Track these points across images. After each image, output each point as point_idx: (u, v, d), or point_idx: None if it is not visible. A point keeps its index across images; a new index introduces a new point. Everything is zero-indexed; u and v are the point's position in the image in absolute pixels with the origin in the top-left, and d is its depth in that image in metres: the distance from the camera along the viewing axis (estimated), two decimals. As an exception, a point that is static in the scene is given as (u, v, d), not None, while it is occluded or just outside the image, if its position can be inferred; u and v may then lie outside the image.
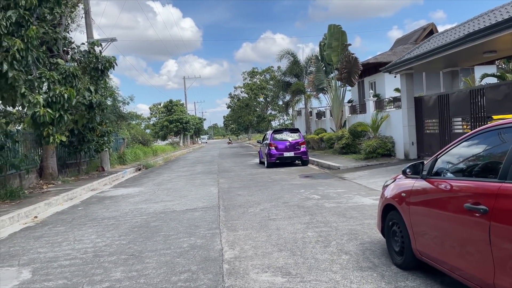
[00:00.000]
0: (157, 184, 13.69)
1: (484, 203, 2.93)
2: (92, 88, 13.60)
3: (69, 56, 15.14)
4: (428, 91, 18.79)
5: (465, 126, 12.50)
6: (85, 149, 15.82)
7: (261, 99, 65.39)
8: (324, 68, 23.81)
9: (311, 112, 31.69)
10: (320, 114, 30.12)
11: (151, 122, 68.08)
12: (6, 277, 4.85)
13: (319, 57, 24.76)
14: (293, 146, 17.17)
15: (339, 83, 22.54)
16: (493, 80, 18.22)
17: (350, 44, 21.91)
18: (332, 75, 23.48)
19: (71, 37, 15.68)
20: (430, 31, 23.50)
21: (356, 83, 22.20)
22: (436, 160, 3.89)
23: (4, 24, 8.93)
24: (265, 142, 18.49)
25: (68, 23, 16.05)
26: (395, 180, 4.67)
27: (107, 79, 16.19)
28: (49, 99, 10.74)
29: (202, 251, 5.36)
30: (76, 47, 15.04)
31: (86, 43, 15.57)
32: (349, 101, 26.30)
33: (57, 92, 10.86)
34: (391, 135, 16.46)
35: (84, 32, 18.32)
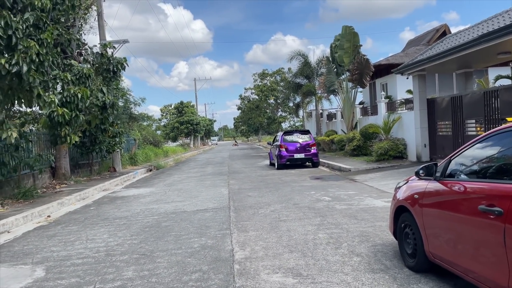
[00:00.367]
0: (168, 184, 13.77)
1: (499, 205, 2.89)
2: (104, 89, 13.77)
3: (82, 57, 15.33)
4: (441, 93, 18.61)
5: (478, 128, 12.33)
6: (97, 149, 15.99)
7: (272, 100, 65.48)
8: (335, 70, 23.72)
9: (321, 113, 31.58)
10: (331, 116, 30.00)
11: (162, 124, 68.56)
12: (20, 274, 4.92)
13: (330, 59, 24.68)
14: (304, 148, 17.12)
15: (350, 84, 22.43)
16: (508, 82, 17.95)
17: (361, 45, 21.81)
18: (343, 76, 23.38)
19: (84, 39, 15.90)
20: (443, 33, 23.28)
21: (368, 84, 22.07)
22: (450, 161, 3.84)
23: (21, 26, 9.08)
24: (276, 143, 18.48)
25: (82, 25, 16.25)
26: (407, 182, 4.63)
27: (119, 80, 16.35)
28: (63, 99, 10.90)
29: (213, 251, 5.37)
30: (89, 49, 15.22)
31: (99, 45, 15.75)
32: (360, 103, 26.14)
33: (71, 92, 11.02)
34: (403, 137, 16.32)
35: (97, 34, 18.56)
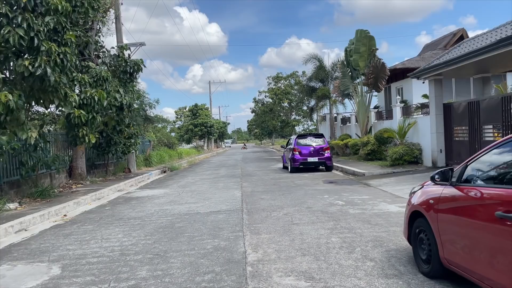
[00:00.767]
0: (182, 186, 13.86)
1: (517, 211, 2.84)
2: (121, 90, 13.98)
3: (99, 59, 15.59)
4: (457, 98, 18.36)
5: (496, 134, 12.13)
6: (112, 150, 16.20)
7: (285, 104, 65.42)
8: (350, 73, 23.62)
9: (336, 117, 31.45)
10: (345, 120, 29.84)
11: (177, 126, 69.17)
12: (37, 272, 5.02)
13: (345, 62, 24.58)
14: (317, 152, 17.06)
15: (365, 88, 22.29)
16: (527, 87, 17.62)
17: (377, 49, 21.68)
18: (358, 80, 23.26)
19: (102, 41, 16.17)
20: (460, 37, 23.00)
21: (383, 89, 21.90)
22: (466, 167, 3.80)
23: (42, 29, 9.31)
24: (289, 147, 18.46)
25: (100, 28, 16.53)
26: (422, 187, 4.58)
27: (135, 82, 16.57)
28: (81, 101, 11.10)
29: (225, 253, 5.40)
30: (106, 51, 15.47)
31: (116, 47, 16.00)
32: (375, 107, 25.96)
33: (88, 95, 11.22)
34: (418, 142, 16.14)
35: (114, 36, 18.85)
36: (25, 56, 9.58)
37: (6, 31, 8.80)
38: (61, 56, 9.67)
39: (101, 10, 15.04)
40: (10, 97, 8.62)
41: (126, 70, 15.06)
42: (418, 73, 14.93)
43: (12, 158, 10.55)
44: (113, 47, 15.98)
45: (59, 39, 9.89)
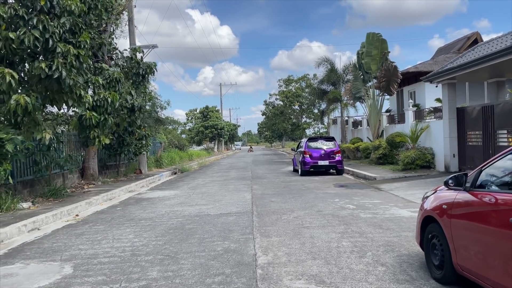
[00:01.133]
0: (192, 188, 13.92)
1: (533, 218, 2.79)
2: (133, 92, 14.11)
3: (112, 61, 15.75)
4: (471, 102, 18.14)
5: (510, 139, 11.95)
6: (124, 151, 16.35)
7: (296, 106, 65.25)
8: (361, 77, 23.49)
9: (347, 120, 31.28)
10: (356, 123, 29.66)
11: (187, 128, 69.40)
12: (49, 271, 5.08)
13: (357, 66, 24.47)
14: (328, 155, 16.99)
15: (377, 92, 22.15)
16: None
17: (389, 52, 21.53)
18: (370, 83, 23.12)
19: (115, 43, 16.35)
20: (474, 40, 22.73)
21: (395, 92, 21.74)
22: (481, 172, 3.75)
23: (58, 31, 9.45)
24: (300, 150, 18.41)
25: (113, 30, 16.72)
26: (435, 192, 4.53)
27: (147, 84, 16.72)
28: (94, 103, 11.24)
29: (235, 255, 5.40)
30: (119, 53, 15.64)
31: (129, 49, 16.16)
32: (387, 111, 25.76)
33: (101, 96, 11.35)
34: (430, 146, 15.97)
35: (127, 38, 19.05)
36: (40, 58, 9.72)
37: (21, 32, 8.95)
38: (78, 55, 9.81)
39: (115, 13, 15.21)
40: (28, 99, 8.77)
41: (138, 72, 15.20)
42: (431, 77, 14.79)
43: (26, 158, 10.71)
44: (125, 49, 16.16)
45: (74, 41, 10.03)
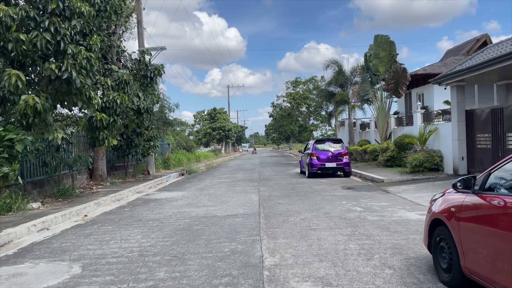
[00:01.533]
0: (200, 189, 13.96)
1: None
2: (140, 94, 14.22)
3: (121, 63, 15.88)
4: (480, 104, 17.97)
5: (520, 142, 11.82)
6: (132, 152, 16.45)
7: (304, 108, 65.16)
8: (369, 79, 23.41)
9: (354, 123, 31.17)
10: (364, 125, 29.55)
11: (195, 129, 69.66)
12: (58, 270, 5.13)
13: (365, 68, 24.39)
14: (336, 157, 16.94)
15: (385, 94, 22.06)
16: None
17: (398, 54, 21.45)
18: (378, 85, 23.04)
19: (124, 45, 16.48)
20: (483, 42, 22.54)
21: (403, 94, 21.63)
22: (489, 175, 3.73)
23: (69, 33, 9.56)
24: (307, 151, 18.38)
25: (122, 32, 16.85)
26: (444, 195, 4.51)
27: (155, 86, 16.82)
28: (103, 104, 11.34)
29: (242, 257, 5.41)
30: (128, 55, 15.76)
31: (137, 51, 16.28)
32: (395, 113, 25.64)
33: (110, 98, 11.45)
34: (439, 149, 15.86)
35: (136, 40, 19.19)
36: (51, 59, 9.84)
37: (33, 36, 9.06)
38: (89, 58, 9.93)
39: (124, 15, 15.34)
40: (38, 100, 8.88)
41: (146, 75, 15.31)
42: (440, 79, 14.70)
43: (36, 159, 10.82)
44: (134, 51, 16.27)
45: (84, 43, 10.14)
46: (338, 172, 17.44)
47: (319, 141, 18.45)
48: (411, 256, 5.22)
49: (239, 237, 6.53)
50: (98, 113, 11.11)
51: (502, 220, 3.29)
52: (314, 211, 8.78)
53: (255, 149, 72.80)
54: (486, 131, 13.26)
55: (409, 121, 20.26)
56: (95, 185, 13.92)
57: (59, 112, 14.29)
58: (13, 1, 9.89)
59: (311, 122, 65.80)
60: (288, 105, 67.46)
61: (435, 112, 18.26)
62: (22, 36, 8.97)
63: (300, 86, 66.40)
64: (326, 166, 16.82)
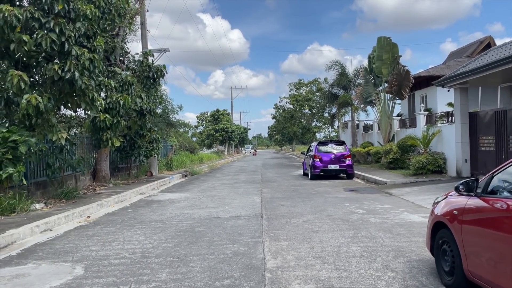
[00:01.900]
0: (202, 190, 13.97)
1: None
2: (143, 95, 14.27)
3: (124, 65, 15.94)
4: (483, 107, 17.92)
5: (524, 144, 11.78)
6: (135, 154, 16.48)
7: (307, 110, 65.15)
8: (373, 81, 23.39)
9: (357, 124, 31.13)
10: (367, 127, 29.51)
11: (198, 131, 69.79)
12: (61, 271, 5.15)
13: (368, 69, 24.37)
14: (338, 159, 16.92)
15: (388, 96, 22.02)
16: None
17: (401, 56, 21.42)
18: (381, 87, 23.00)
19: (128, 47, 16.55)
20: (487, 45, 22.46)
21: (406, 96, 21.59)
22: (492, 177, 3.72)
23: (73, 34, 9.62)
24: (310, 153, 18.36)
25: (126, 34, 16.92)
26: (446, 197, 4.50)
27: (158, 88, 16.87)
28: (107, 105, 11.39)
29: (244, 259, 5.41)
30: (131, 57, 15.82)
31: (140, 53, 16.35)
32: (398, 115, 25.59)
33: (114, 99, 11.50)
34: (442, 151, 15.82)
35: (139, 42, 19.26)
36: (55, 61, 9.90)
37: (39, 35, 9.12)
38: (93, 59, 9.98)
39: (128, 17, 15.40)
40: (40, 99, 8.92)
41: (149, 76, 15.37)
42: (443, 81, 14.67)
43: (39, 160, 10.88)
44: (137, 53, 16.34)
45: (88, 45, 10.19)
46: (341, 174, 17.42)
47: (322, 143, 18.44)
48: (413, 259, 5.21)
49: (242, 239, 6.53)
50: (101, 114, 11.15)
51: (505, 223, 3.27)
52: (317, 213, 8.77)
53: (256, 151, 73.41)
54: (489, 133, 13.21)
55: (412, 123, 20.23)
56: (98, 186, 13.96)
57: (63, 113, 14.36)
58: (17, 2, 9.96)
59: (314, 124, 65.78)
60: (291, 106, 67.48)
61: (438, 114, 18.22)
62: (25, 37, 9.02)
63: (303, 88, 66.41)
64: (329, 168, 16.80)
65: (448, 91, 15.47)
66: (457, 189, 4.07)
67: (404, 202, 10.15)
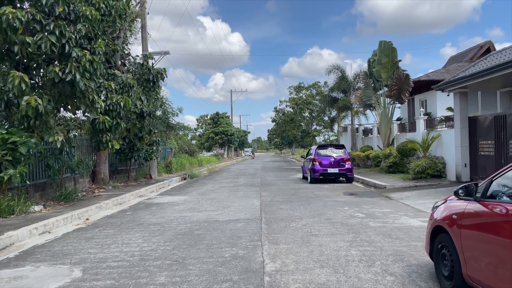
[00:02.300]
0: (201, 193, 13.96)
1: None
2: (143, 98, 14.29)
3: (125, 67, 15.96)
4: (483, 111, 17.94)
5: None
6: (135, 156, 16.47)
7: (306, 114, 65.24)
8: (372, 85, 23.41)
9: (357, 128, 31.15)
10: (366, 131, 29.52)
11: (198, 133, 69.78)
12: (59, 274, 5.13)
13: (368, 73, 24.41)
14: (338, 163, 16.91)
15: (388, 100, 22.05)
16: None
17: (400, 60, 21.46)
18: (380, 91, 23.03)
19: (128, 49, 16.57)
20: (487, 49, 22.53)
21: (406, 100, 21.62)
22: (491, 182, 3.72)
23: (74, 36, 9.64)
24: (309, 157, 18.36)
25: (126, 36, 16.95)
26: (445, 202, 4.49)
27: (158, 90, 16.89)
28: (107, 107, 11.39)
29: (243, 262, 5.40)
30: (132, 59, 15.85)
31: (140, 55, 16.37)
32: (398, 119, 25.62)
33: (114, 101, 11.51)
34: (442, 155, 15.82)
35: (140, 45, 19.29)
36: (55, 63, 9.91)
37: (38, 38, 9.13)
38: (93, 61, 9.99)
39: (128, 19, 15.43)
40: (40, 101, 8.92)
41: (149, 79, 15.39)
42: (443, 86, 14.69)
43: (39, 162, 10.87)
44: (137, 55, 16.36)
45: (89, 47, 10.21)
46: (341, 178, 17.41)
47: (321, 146, 18.44)
48: (412, 263, 5.20)
49: (240, 242, 6.52)
50: (101, 115, 11.15)
51: (504, 227, 3.27)
52: (316, 216, 8.76)
53: (254, 154, 73.89)
54: (489, 138, 13.22)
55: (412, 127, 20.24)
56: (97, 188, 13.94)
57: (62, 115, 14.36)
58: (18, 4, 9.97)
59: (313, 127, 65.82)
60: (291, 110, 67.58)
61: (438, 118, 18.24)
62: (28, 39, 9.04)
63: (303, 91, 66.54)
64: (328, 171, 16.79)
65: (448, 95, 15.48)
66: (456, 193, 4.07)
67: (403, 206, 10.14)
